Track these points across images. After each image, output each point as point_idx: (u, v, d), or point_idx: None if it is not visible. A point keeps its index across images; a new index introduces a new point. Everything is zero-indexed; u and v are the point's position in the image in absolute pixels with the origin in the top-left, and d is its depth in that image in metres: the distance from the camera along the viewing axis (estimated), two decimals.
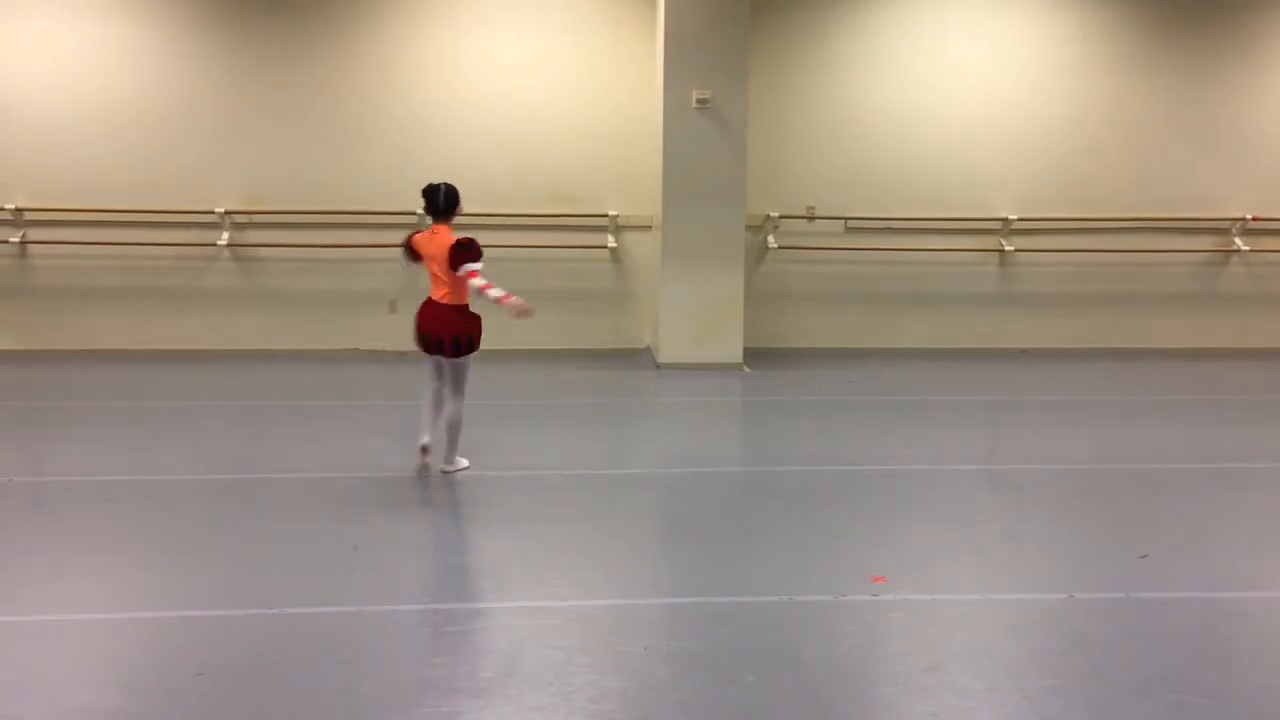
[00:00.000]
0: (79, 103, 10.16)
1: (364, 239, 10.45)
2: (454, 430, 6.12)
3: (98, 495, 5.85)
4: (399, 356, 10.39)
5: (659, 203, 9.87)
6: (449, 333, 5.97)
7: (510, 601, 4.35)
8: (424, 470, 6.09)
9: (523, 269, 10.58)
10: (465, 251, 5.90)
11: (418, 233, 6.33)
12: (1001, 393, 9.05)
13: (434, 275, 6.05)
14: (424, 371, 6.18)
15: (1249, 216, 11.01)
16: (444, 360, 6.04)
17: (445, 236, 6.01)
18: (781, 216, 10.72)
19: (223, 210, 10.28)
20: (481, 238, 10.38)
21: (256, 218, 10.43)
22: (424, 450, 6.05)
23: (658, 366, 9.90)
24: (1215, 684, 3.64)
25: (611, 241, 10.62)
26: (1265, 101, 11.00)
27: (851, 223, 10.83)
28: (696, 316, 9.79)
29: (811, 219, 10.82)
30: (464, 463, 6.24)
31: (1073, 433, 7.61)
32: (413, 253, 6.21)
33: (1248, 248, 11.07)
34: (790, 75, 10.70)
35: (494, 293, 5.88)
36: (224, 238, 10.31)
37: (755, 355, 10.24)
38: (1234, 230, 11.09)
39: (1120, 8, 10.83)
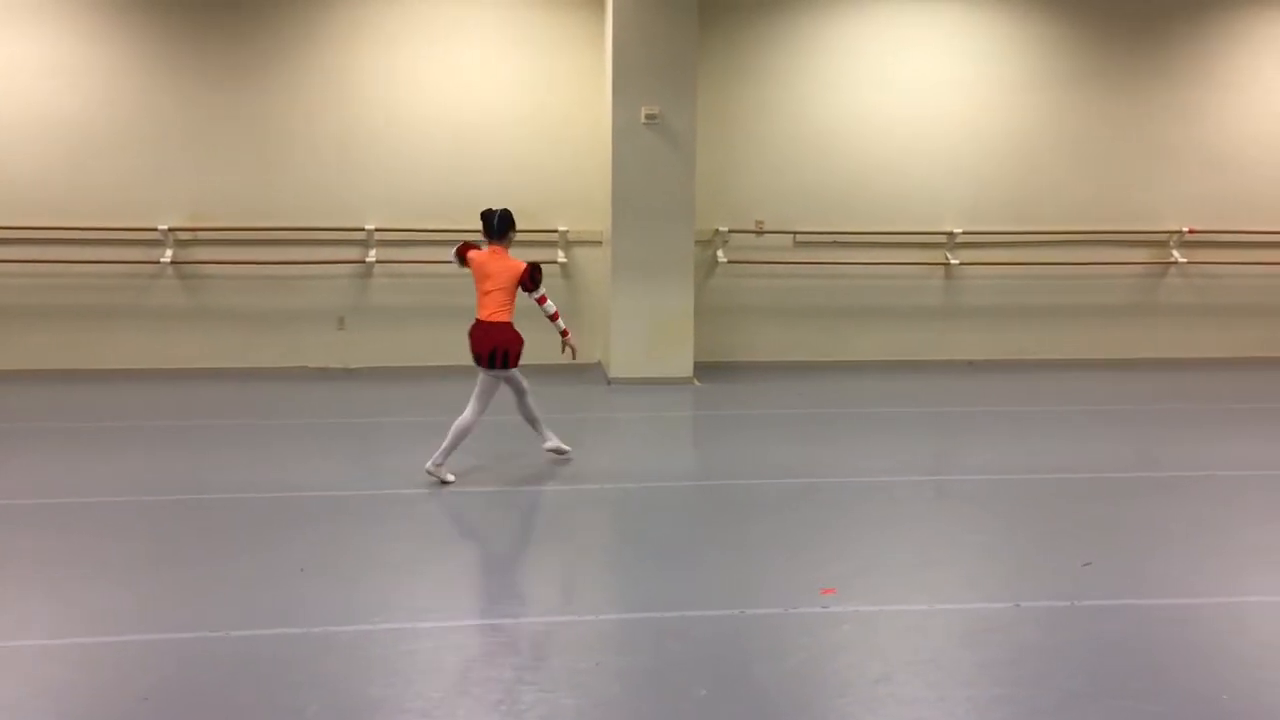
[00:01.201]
0: (20, 120, 9.99)
1: (310, 255, 10.37)
2: (458, 436, 6.35)
3: (39, 517, 5.73)
4: (348, 374, 10.32)
5: (609, 218, 9.89)
6: (486, 347, 6.40)
7: (460, 620, 4.32)
8: (564, 460, 6.82)
9: (466, 285, 10.55)
10: (537, 278, 6.51)
11: (473, 246, 6.70)
12: (948, 404, 9.15)
13: (485, 293, 6.47)
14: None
15: (1186, 229, 11.25)
16: (482, 372, 6.42)
17: (509, 260, 6.50)
18: (731, 231, 10.78)
19: (166, 227, 10.15)
20: (430, 254, 10.40)
21: (201, 234, 10.30)
22: (557, 451, 6.86)
23: (609, 381, 9.90)
24: (1160, 690, 3.70)
25: (562, 257, 10.62)
26: (1199, 118, 11.26)
27: (800, 237, 10.92)
28: (647, 331, 9.82)
29: (760, 233, 10.89)
30: (450, 477, 6.37)
31: (1018, 443, 7.71)
32: (463, 260, 6.66)
33: (1185, 260, 11.31)
34: (739, 91, 10.78)
35: (561, 323, 6.71)
36: (167, 255, 10.17)
37: (706, 369, 10.28)
38: (1171, 243, 11.33)
39: (1061, 26, 11.04)
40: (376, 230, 10.42)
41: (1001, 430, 8.18)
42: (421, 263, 10.43)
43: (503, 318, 6.46)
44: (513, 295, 6.50)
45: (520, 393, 6.70)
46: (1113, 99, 11.17)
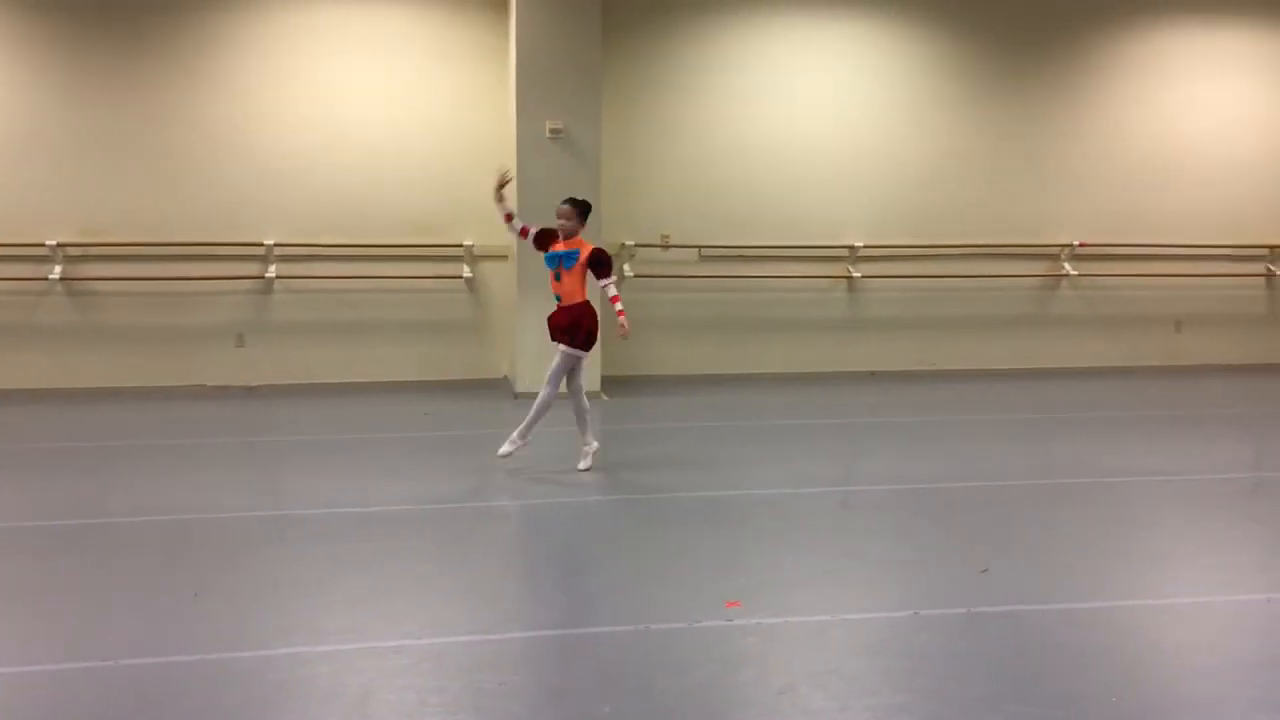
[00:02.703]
0: None
1: (208, 271, 10.14)
2: (539, 413, 6.78)
3: None
4: (248, 393, 10.10)
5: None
6: (573, 326, 6.80)
7: (361, 642, 4.24)
8: (595, 458, 7.05)
9: (378, 299, 10.45)
10: (607, 262, 6.88)
11: (551, 232, 6.92)
12: (852, 415, 9.30)
13: (561, 279, 6.82)
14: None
15: (1077, 243, 11.62)
16: (564, 349, 6.77)
17: (585, 244, 6.85)
18: (637, 245, 10.83)
19: (55, 243, 9.82)
20: (336, 269, 10.27)
21: (93, 250, 9.99)
22: (590, 455, 7.05)
23: (516, 396, 9.85)
24: (1056, 693, 3.79)
25: (468, 271, 10.55)
26: (1088, 135, 11.65)
27: (705, 251, 11.02)
28: (553, 345, 9.78)
29: (666, 247, 10.96)
30: (515, 447, 6.87)
31: (918, 452, 7.86)
32: (541, 241, 6.92)
33: (1076, 272, 11.68)
34: (645, 106, 10.85)
35: (620, 305, 6.85)
36: (57, 271, 9.85)
37: (613, 383, 10.30)
38: (1063, 255, 11.69)
39: (960, 49, 11.33)
40: (277, 245, 10.22)
41: (903, 440, 8.33)
42: (324, 278, 10.28)
43: (581, 298, 6.88)
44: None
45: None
46: (1007, 118, 11.50)
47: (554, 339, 6.94)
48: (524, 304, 9.76)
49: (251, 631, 4.36)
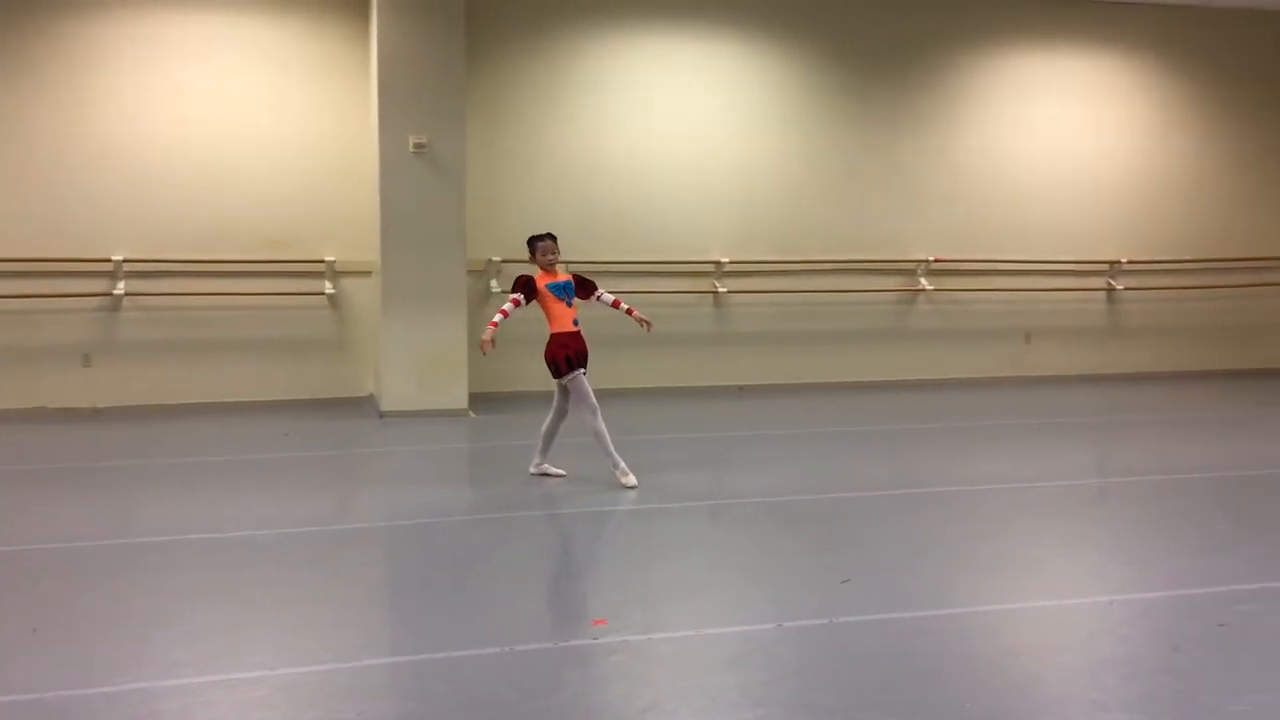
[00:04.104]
0: None
1: (51, 288, 9.68)
2: (605, 439, 6.95)
3: None
4: (95, 414, 9.66)
5: (378, 248, 9.69)
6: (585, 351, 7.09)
7: (213, 675, 4.08)
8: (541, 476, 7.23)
9: (235, 317, 10.14)
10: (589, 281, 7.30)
11: (531, 276, 7.05)
12: (718, 429, 9.40)
13: (573, 305, 7.08)
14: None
15: (932, 258, 12.01)
16: (581, 376, 6.98)
17: (562, 274, 7.15)
18: (504, 261, 10.75)
19: None
20: (189, 285, 9.94)
21: None
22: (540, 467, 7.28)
23: (381, 414, 9.67)
24: (912, 702, 3.88)
25: (329, 288, 10.32)
26: (942, 155, 12.07)
27: (572, 266, 10.97)
28: (419, 363, 9.66)
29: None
30: (625, 476, 6.96)
31: (785, 465, 7.99)
32: (531, 292, 6.98)
33: (932, 287, 12.07)
34: (510, 121, 10.80)
35: (624, 305, 7.44)
36: None
37: (480, 400, 10.19)
38: (920, 271, 12.07)
39: (818, 66, 11.61)
40: (126, 261, 9.82)
41: (769, 452, 8.46)
42: (177, 295, 9.92)
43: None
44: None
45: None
46: (865, 138, 11.82)
47: (578, 365, 7.02)
48: (389, 321, 9.60)
49: (95, 667, 4.14)
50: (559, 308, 7.06)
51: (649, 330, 7.54)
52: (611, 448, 6.98)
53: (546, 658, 4.24)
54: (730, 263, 11.42)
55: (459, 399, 9.81)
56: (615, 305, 7.39)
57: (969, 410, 10.54)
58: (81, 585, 5.13)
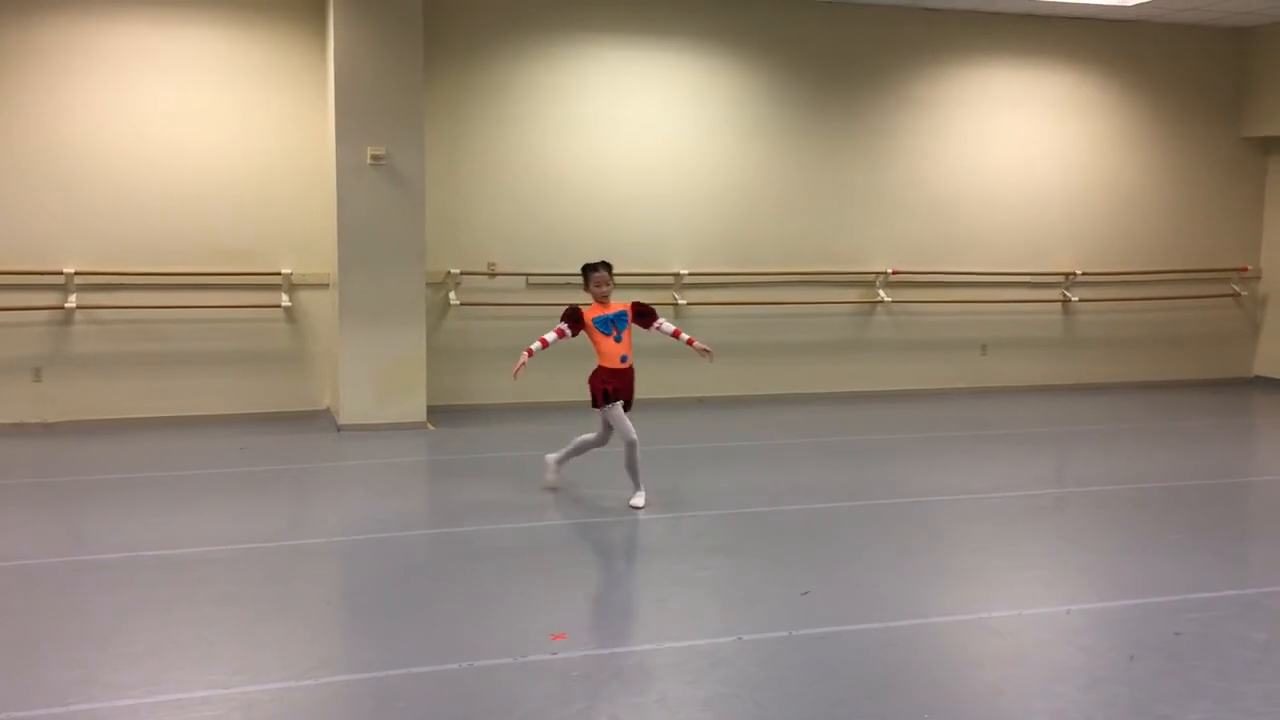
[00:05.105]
0: None
1: (0, 301, 9.50)
2: (636, 460, 6.88)
3: None
4: (46, 429, 9.49)
5: (336, 260, 9.60)
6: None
7: (164, 695, 4.01)
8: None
9: (189, 330, 9.99)
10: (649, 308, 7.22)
11: (579, 307, 6.96)
12: (677, 441, 9.39)
13: (621, 340, 6.93)
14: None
15: (890, 270, 12.09)
16: (617, 408, 6.86)
17: (615, 303, 7.03)
18: (463, 273, 10.69)
19: None
20: (142, 298, 9.81)
21: None
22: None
23: (339, 428, 9.57)
24: (875, 712, 3.89)
25: (286, 300, 10.20)
26: (899, 166, 12.15)
27: (533, 279, 10.97)
28: (378, 375, 9.58)
29: (493, 275, 10.86)
30: (639, 498, 6.90)
31: (744, 477, 8.00)
32: (578, 324, 6.89)
33: (890, 298, 12.15)
34: (469, 133, 10.74)
35: (685, 335, 7.29)
36: None
37: (439, 413, 10.12)
38: (877, 283, 12.14)
39: (777, 77, 11.64)
40: (77, 274, 9.66)
41: (728, 464, 8.47)
42: (130, 308, 9.76)
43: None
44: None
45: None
46: (824, 150, 11.87)
47: (619, 398, 6.90)
48: (346, 334, 9.51)
49: (41, 688, 4.06)
50: (606, 344, 6.89)
51: (711, 360, 7.42)
52: (636, 477, 6.92)
53: (506, 673, 4.21)
54: (690, 274, 11.43)
55: (417, 412, 9.73)
56: (675, 335, 7.18)
57: (926, 421, 10.61)
58: (30, 604, 5.03)
